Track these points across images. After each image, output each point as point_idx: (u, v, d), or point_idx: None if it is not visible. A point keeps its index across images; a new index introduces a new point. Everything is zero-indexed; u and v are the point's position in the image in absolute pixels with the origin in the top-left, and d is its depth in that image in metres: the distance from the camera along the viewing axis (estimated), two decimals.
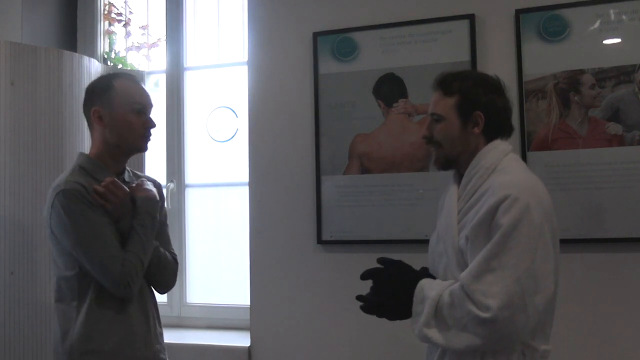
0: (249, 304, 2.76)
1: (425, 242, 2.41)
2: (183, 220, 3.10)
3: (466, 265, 1.48)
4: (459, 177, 1.63)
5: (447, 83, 1.61)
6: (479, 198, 1.51)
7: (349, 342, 2.57)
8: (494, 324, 1.37)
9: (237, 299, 2.97)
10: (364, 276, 1.61)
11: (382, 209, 2.53)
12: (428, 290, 1.49)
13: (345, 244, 2.58)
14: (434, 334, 1.46)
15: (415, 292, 1.50)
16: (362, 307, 1.60)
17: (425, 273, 1.63)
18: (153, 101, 1.86)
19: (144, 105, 1.81)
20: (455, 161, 1.62)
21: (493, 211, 1.43)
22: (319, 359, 2.61)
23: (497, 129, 1.59)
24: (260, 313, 2.70)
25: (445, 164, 1.64)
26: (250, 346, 2.70)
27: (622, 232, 2.25)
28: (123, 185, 1.77)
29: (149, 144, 1.85)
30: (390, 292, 1.56)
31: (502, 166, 1.54)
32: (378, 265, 1.63)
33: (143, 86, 1.86)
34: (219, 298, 3.06)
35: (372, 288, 1.61)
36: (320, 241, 2.61)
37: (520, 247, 1.39)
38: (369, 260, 2.52)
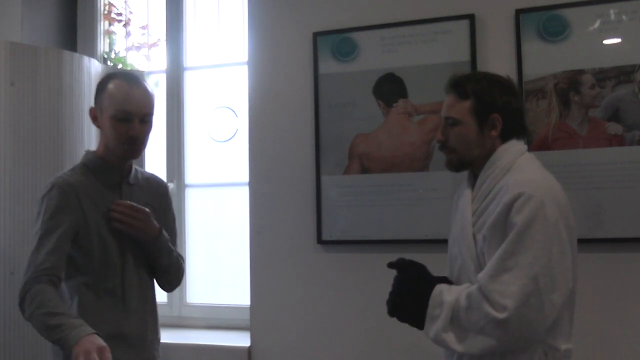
0: (249, 304, 2.76)
1: (425, 242, 2.43)
2: (183, 220, 3.10)
3: (482, 267, 1.48)
4: (473, 178, 1.62)
5: (461, 85, 1.57)
6: (493, 198, 1.50)
7: (349, 342, 2.57)
8: (510, 324, 1.37)
9: (237, 299, 2.97)
10: (392, 265, 1.60)
11: (382, 209, 2.53)
12: (446, 294, 1.48)
13: (345, 244, 2.58)
14: (451, 338, 1.45)
15: (433, 295, 1.49)
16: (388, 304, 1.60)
17: (444, 280, 1.60)
18: (150, 106, 1.74)
19: (128, 113, 1.68)
20: (470, 164, 1.61)
21: (507, 209, 1.43)
22: (319, 359, 2.61)
23: (513, 129, 1.58)
24: (260, 313, 2.70)
25: (458, 167, 1.62)
26: (250, 346, 2.70)
27: (622, 232, 2.25)
28: (142, 208, 1.72)
29: (136, 153, 1.75)
30: (409, 291, 1.56)
31: (517, 165, 1.53)
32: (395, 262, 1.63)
33: (140, 90, 1.73)
34: (219, 298, 3.06)
35: (396, 279, 1.60)
36: (320, 241, 2.61)
37: (535, 245, 1.38)
38: (369, 260, 2.52)
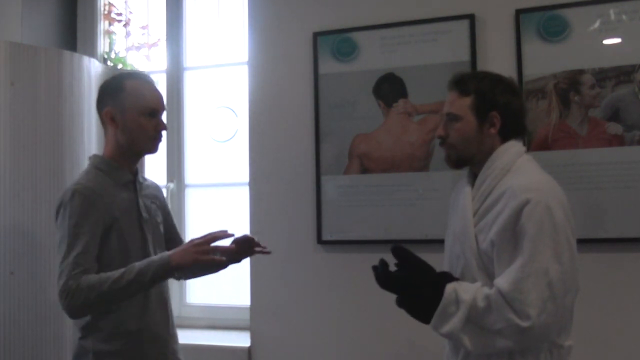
0: (249, 304, 2.76)
1: (425, 242, 2.43)
2: (183, 220, 3.10)
3: (486, 267, 1.50)
4: (472, 177, 1.63)
5: (463, 83, 1.61)
6: (496, 199, 1.51)
7: (349, 342, 2.57)
8: (532, 331, 1.39)
9: (237, 299, 2.96)
10: (395, 251, 1.57)
11: (382, 209, 2.53)
12: (462, 293, 1.48)
13: (345, 244, 2.58)
14: (465, 337, 1.47)
15: (447, 291, 1.49)
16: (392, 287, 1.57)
17: (449, 276, 1.59)
18: (165, 103, 1.86)
19: (155, 109, 1.79)
20: (468, 161, 1.62)
21: (516, 215, 1.44)
22: (319, 358, 2.61)
23: (512, 129, 1.60)
24: (260, 313, 2.70)
25: (457, 163, 1.64)
26: (250, 346, 2.70)
27: (622, 232, 2.25)
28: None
29: (159, 146, 1.85)
30: (418, 285, 1.54)
31: (516, 167, 1.55)
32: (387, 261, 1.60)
33: (156, 87, 1.84)
34: (219, 298, 3.05)
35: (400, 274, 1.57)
36: (320, 241, 2.61)
37: (548, 252, 1.41)
38: (369, 260, 2.51)
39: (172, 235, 1.99)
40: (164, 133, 1.84)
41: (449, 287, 1.49)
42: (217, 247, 1.71)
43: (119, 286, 1.60)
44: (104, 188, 1.74)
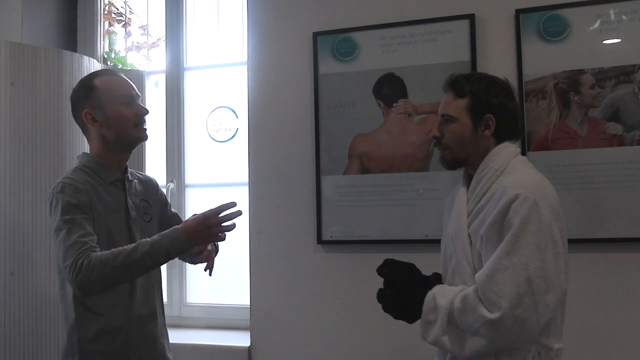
0: (249, 304, 2.76)
1: (425, 242, 2.43)
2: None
3: (476, 269, 1.50)
4: (468, 179, 1.64)
5: (458, 85, 1.62)
6: (488, 200, 1.52)
7: (349, 342, 2.57)
8: (503, 323, 1.38)
9: (237, 299, 2.96)
10: (382, 269, 1.63)
11: (382, 209, 2.53)
12: (440, 299, 1.49)
13: (345, 244, 2.58)
14: (447, 341, 1.48)
15: (426, 300, 1.51)
16: (378, 296, 1.61)
17: (437, 279, 1.62)
18: (138, 90, 1.86)
19: (130, 95, 1.80)
20: (463, 162, 1.63)
21: (505, 211, 1.45)
22: (319, 358, 2.61)
23: (507, 131, 1.61)
24: (260, 313, 2.70)
25: (452, 164, 1.65)
26: (250, 346, 2.70)
27: (622, 232, 2.25)
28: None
29: (148, 133, 1.84)
30: (400, 292, 1.58)
31: (510, 168, 1.56)
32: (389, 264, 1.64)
33: (124, 77, 1.85)
34: (219, 298, 3.05)
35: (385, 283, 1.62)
36: (320, 241, 2.61)
37: (530, 247, 1.40)
38: (369, 260, 2.52)
39: (172, 224, 1.91)
40: (148, 118, 1.84)
41: (429, 296, 1.52)
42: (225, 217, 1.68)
43: (133, 259, 1.59)
44: (91, 185, 1.74)
